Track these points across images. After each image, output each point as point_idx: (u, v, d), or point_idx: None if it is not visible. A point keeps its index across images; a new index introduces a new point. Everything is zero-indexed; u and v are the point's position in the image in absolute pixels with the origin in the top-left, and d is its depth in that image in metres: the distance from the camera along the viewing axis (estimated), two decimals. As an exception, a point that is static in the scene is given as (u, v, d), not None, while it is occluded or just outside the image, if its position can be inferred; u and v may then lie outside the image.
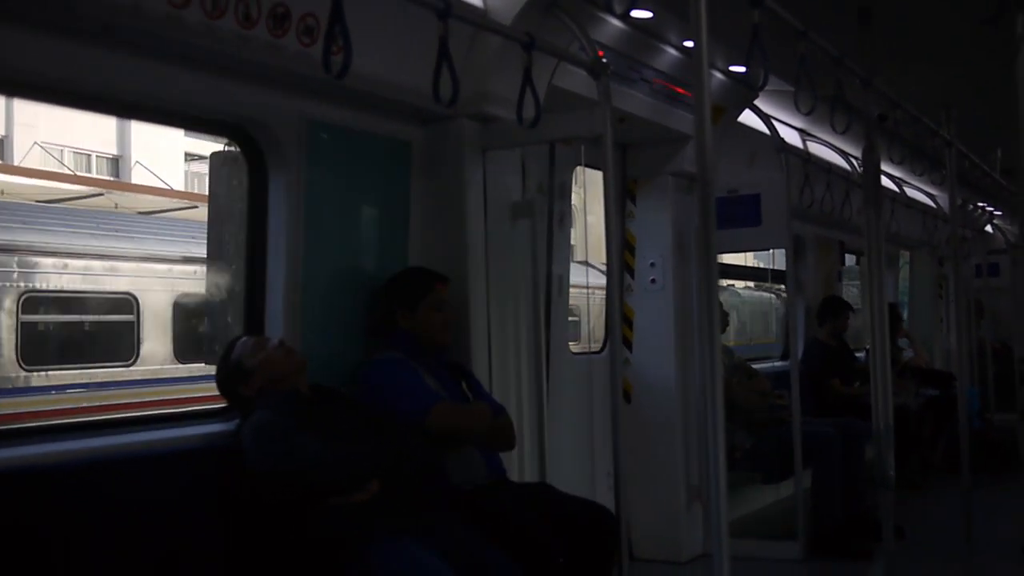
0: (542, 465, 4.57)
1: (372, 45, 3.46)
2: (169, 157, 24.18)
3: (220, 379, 3.63)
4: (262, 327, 3.84)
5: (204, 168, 28.78)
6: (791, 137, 6.97)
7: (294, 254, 3.85)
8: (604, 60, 4.16)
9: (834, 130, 4.74)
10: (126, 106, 3.75)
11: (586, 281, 8.27)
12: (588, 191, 6.11)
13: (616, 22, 4.90)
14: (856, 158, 7.43)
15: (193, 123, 4.02)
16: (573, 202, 5.86)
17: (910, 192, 9.61)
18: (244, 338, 3.68)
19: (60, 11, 2.97)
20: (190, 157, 28.09)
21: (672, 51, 5.42)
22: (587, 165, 5.01)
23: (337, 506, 3.23)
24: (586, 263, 8.55)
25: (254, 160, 3.87)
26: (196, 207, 13.66)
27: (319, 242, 3.95)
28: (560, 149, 5.23)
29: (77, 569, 3.01)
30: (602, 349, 6.09)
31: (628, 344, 6.02)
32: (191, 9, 3.16)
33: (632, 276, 6.12)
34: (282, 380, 3.51)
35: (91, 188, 12.74)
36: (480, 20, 3.93)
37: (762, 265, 17.67)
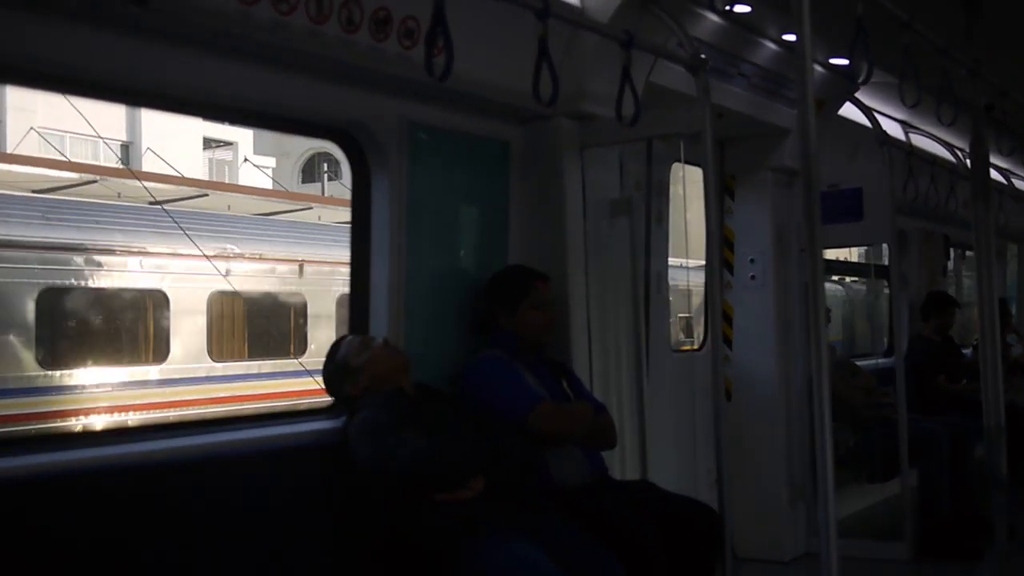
0: (643, 463, 4.56)
1: (471, 46, 3.49)
2: (184, 143, 23.07)
3: (326, 377, 3.70)
4: (367, 326, 3.90)
5: (228, 155, 27.54)
6: (892, 129, 6.83)
7: (397, 254, 3.91)
8: (703, 56, 4.14)
9: (940, 122, 4.63)
10: (230, 110, 3.85)
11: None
12: (680, 188, 6.09)
13: (713, 17, 4.87)
14: (961, 150, 7.25)
15: (296, 126, 4.11)
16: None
17: (1019, 184, 9.33)
18: (350, 337, 3.75)
19: (168, 18, 3.06)
20: (211, 143, 26.77)
21: (771, 45, 5.36)
22: (686, 161, 4.98)
23: (443, 503, 3.27)
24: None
25: (357, 162, 3.94)
26: (207, 195, 13.02)
27: (421, 242, 4.01)
28: (657, 146, 5.21)
29: (188, 561, 3.10)
30: (701, 347, 6.05)
31: (727, 341, 5.97)
32: (296, 15, 3.23)
33: (731, 272, 6.06)
34: (387, 379, 3.57)
35: (83, 175, 12.05)
36: (578, 19, 3.94)
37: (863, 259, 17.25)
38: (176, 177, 14.85)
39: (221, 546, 3.18)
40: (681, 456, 5.27)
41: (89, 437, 3.37)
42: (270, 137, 28.24)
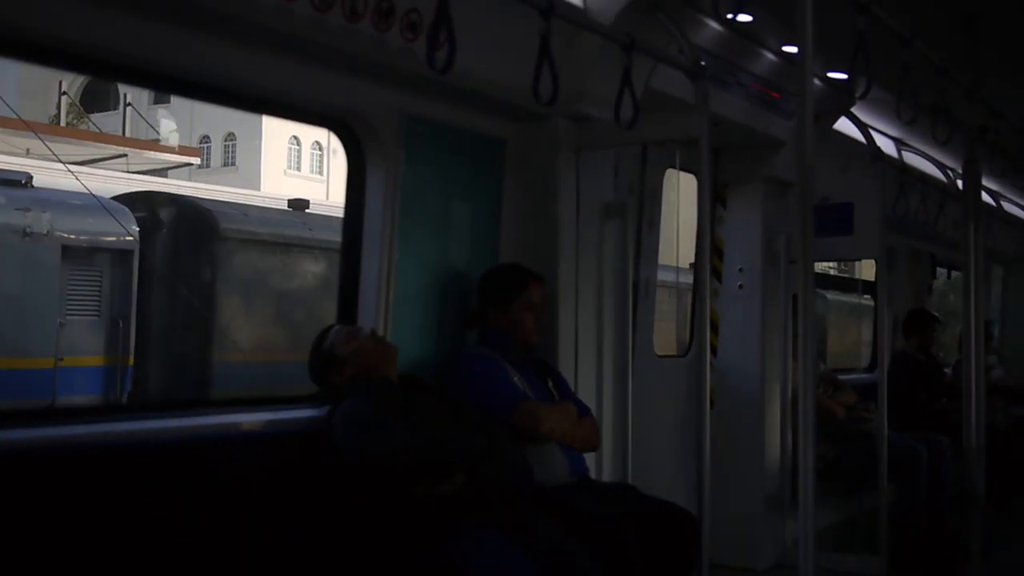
0: (624, 466, 4.57)
1: (472, 42, 3.49)
2: None
3: (312, 366, 3.70)
4: (354, 316, 3.90)
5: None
6: (885, 146, 6.86)
7: (388, 246, 3.91)
8: (703, 63, 4.15)
9: (935, 140, 4.66)
10: (227, 94, 3.82)
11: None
12: (673, 194, 6.11)
13: (714, 24, 4.88)
14: (953, 170, 7.29)
15: (293, 113, 4.10)
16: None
17: (1008, 207, 9.38)
18: (337, 327, 3.74)
19: (177, 1, 3.06)
20: None
21: (770, 55, 5.38)
22: (680, 168, 5.00)
23: (424, 496, 3.27)
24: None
25: (353, 152, 3.94)
26: None
27: (412, 235, 4.01)
28: (652, 151, 5.22)
29: (163, 544, 3.09)
30: (686, 352, 6.07)
31: (713, 348, 5.99)
32: (300, 2, 3.23)
33: (719, 280, 6.08)
34: (374, 369, 3.56)
35: None
36: (581, 20, 3.95)
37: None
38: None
39: (197, 530, 3.18)
40: (661, 460, 5.29)
41: (65, 415, 3.35)
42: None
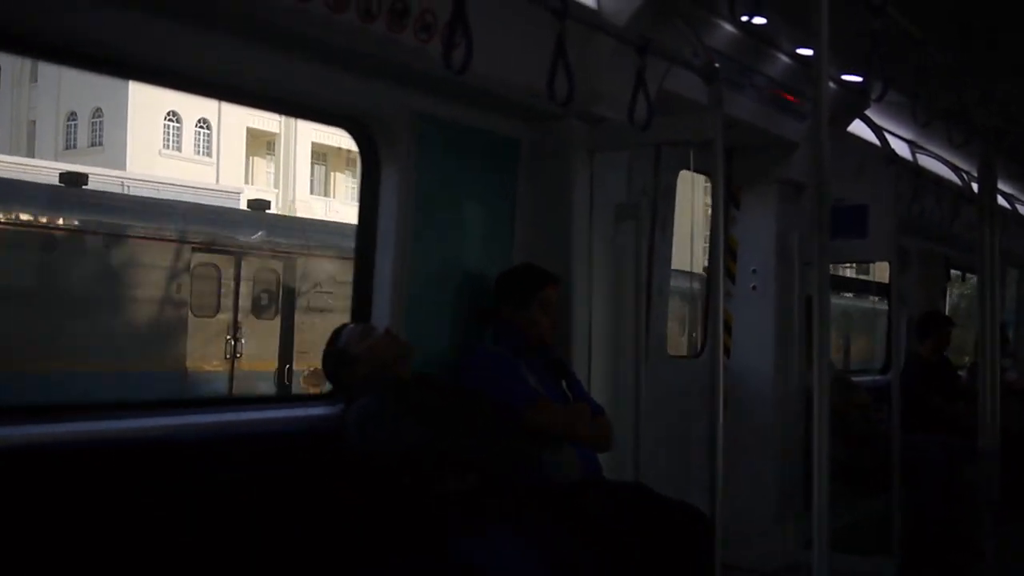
0: (636, 466, 4.58)
1: (487, 42, 3.51)
2: None
3: (326, 364, 3.72)
4: (369, 315, 3.92)
5: None
6: (899, 148, 6.85)
7: (403, 245, 3.93)
8: (716, 66, 4.16)
9: (951, 143, 4.66)
10: (244, 93, 3.84)
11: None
12: (683, 196, 6.12)
13: (728, 27, 4.88)
14: (968, 172, 7.27)
15: (311, 113, 4.12)
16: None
17: (1023, 209, 9.34)
18: (351, 326, 3.76)
19: (193, 1, 3.08)
20: None
21: (783, 58, 5.38)
22: (694, 170, 5.00)
23: (435, 494, 3.28)
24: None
25: (368, 152, 3.96)
26: None
27: (426, 235, 4.03)
28: (665, 153, 5.22)
29: (176, 542, 3.11)
30: (700, 353, 6.07)
31: (726, 350, 5.98)
32: (315, 2, 3.24)
33: (733, 282, 6.08)
34: (387, 368, 3.58)
35: None
36: (596, 21, 3.95)
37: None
38: None
39: (211, 527, 3.19)
40: (674, 461, 5.29)
41: (81, 410, 3.36)
42: None
